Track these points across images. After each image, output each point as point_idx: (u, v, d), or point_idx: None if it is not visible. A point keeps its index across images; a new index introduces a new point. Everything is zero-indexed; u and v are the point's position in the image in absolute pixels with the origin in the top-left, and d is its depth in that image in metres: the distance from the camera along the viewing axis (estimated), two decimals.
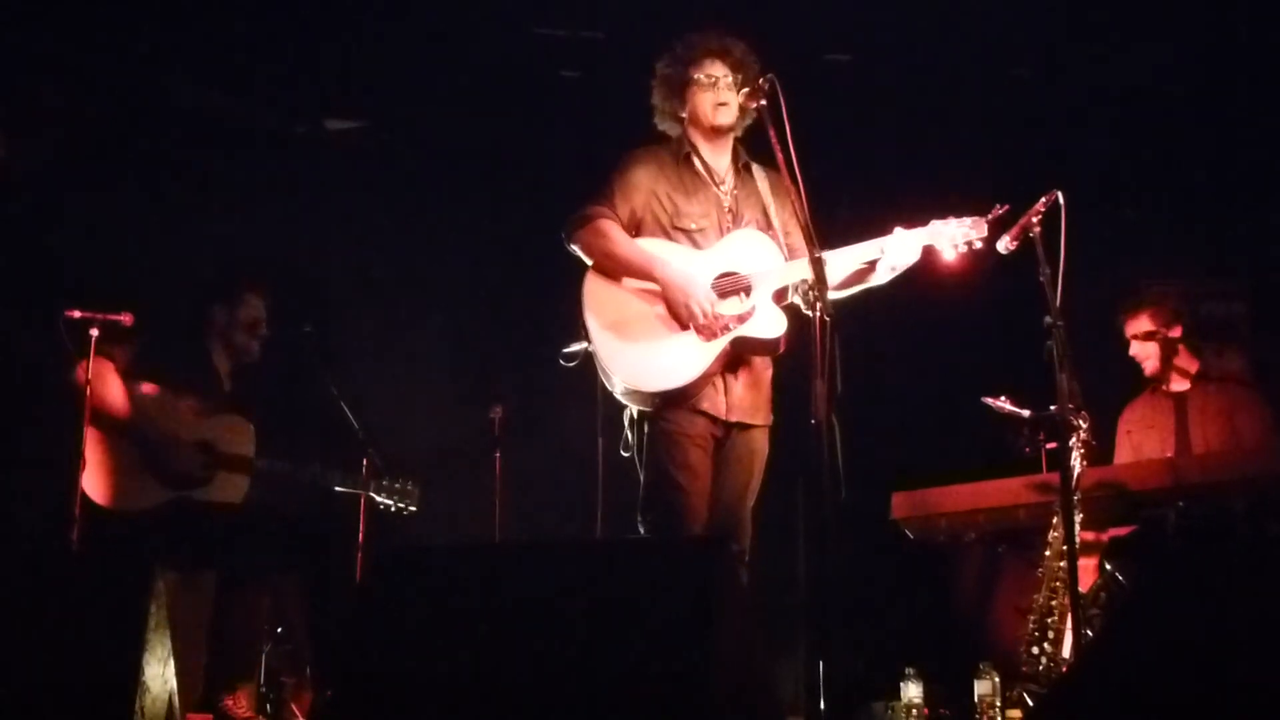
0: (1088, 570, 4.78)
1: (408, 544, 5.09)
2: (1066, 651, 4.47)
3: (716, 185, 4.06)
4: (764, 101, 3.72)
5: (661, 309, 3.90)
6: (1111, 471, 4.92)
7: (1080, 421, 4.19)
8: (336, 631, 4.89)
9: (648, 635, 2.61)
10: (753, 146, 4.09)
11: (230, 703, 4.47)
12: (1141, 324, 5.33)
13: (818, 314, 3.53)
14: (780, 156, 3.65)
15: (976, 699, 4.57)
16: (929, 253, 3.91)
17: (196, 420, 4.72)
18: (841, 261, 3.89)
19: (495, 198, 6.31)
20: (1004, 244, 3.98)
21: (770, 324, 3.87)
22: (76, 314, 4.41)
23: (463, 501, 5.90)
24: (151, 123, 5.93)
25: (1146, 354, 5.34)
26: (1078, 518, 4.03)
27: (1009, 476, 4.94)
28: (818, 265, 3.60)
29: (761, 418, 4.00)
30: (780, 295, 3.92)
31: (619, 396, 3.93)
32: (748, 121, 4.01)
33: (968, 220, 3.91)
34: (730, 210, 4.05)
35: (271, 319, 5.04)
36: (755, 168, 4.10)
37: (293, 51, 5.92)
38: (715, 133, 4.04)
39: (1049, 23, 5.74)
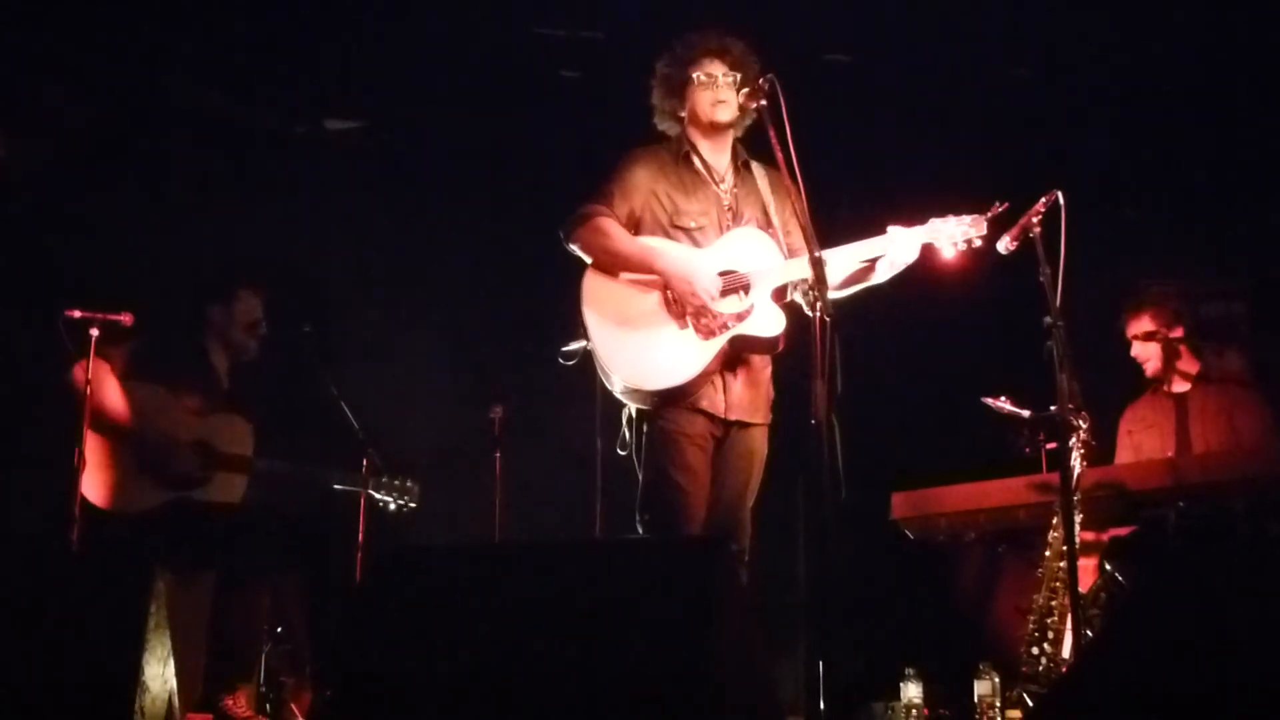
0: (1088, 570, 4.78)
1: (408, 544, 5.08)
2: (1066, 651, 4.47)
3: (716, 184, 4.06)
4: (764, 101, 3.73)
5: (661, 307, 3.90)
6: (1111, 471, 4.92)
7: (1080, 422, 4.19)
8: (336, 631, 4.89)
9: (647, 635, 2.61)
10: (753, 146, 4.09)
11: (230, 703, 4.47)
12: (1143, 324, 5.33)
13: (818, 314, 3.53)
14: (780, 156, 3.66)
15: (976, 699, 4.57)
16: (928, 251, 3.91)
17: (195, 420, 4.72)
18: (841, 260, 3.89)
19: (495, 198, 6.31)
20: (1004, 244, 3.98)
21: (769, 322, 3.87)
22: (76, 314, 4.40)
23: (463, 501, 5.90)
24: (151, 123, 5.93)
25: (1148, 355, 5.34)
26: (1078, 518, 4.03)
27: (1009, 476, 4.93)
28: (817, 265, 3.60)
29: (761, 416, 3.99)
30: (779, 294, 3.92)
31: (618, 395, 3.93)
32: (748, 122, 4.01)
33: (967, 218, 3.90)
34: (730, 209, 4.05)
35: (270, 317, 5.04)
36: (755, 166, 4.10)
37: (293, 51, 5.93)
38: (714, 130, 4.04)
39: (1049, 23, 5.74)
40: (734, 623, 2.73)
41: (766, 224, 4.04)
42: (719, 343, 3.86)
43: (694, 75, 4.01)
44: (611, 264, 3.94)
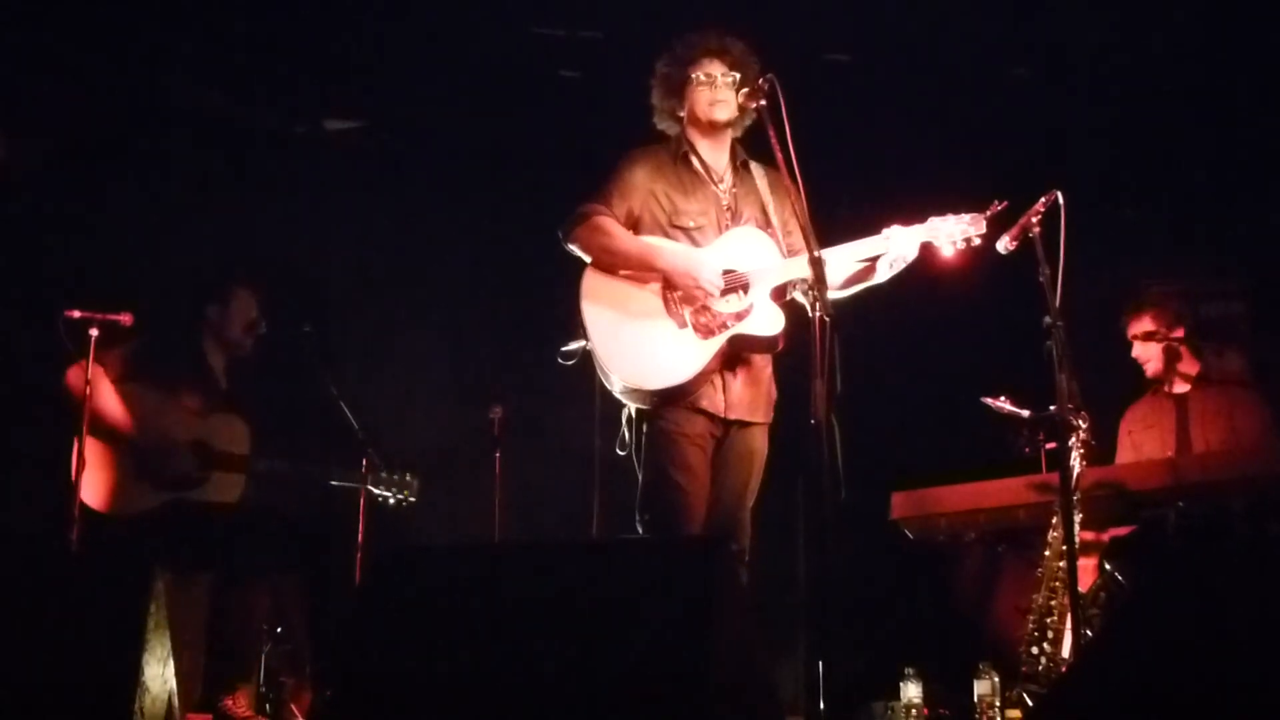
0: (1087, 570, 4.78)
1: (408, 544, 5.08)
2: (1066, 651, 4.47)
3: (715, 183, 4.06)
4: (763, 101, 3.73)
5: (660, 307, 3.90)
6: (1111, 471, 4.92)
7: (1080, 421, 4.19)
8: (336, 631, 4.89)
9: (647, 635, 2.61)
10: (753, 146, 4.09)
11: (230, 703, 4.46)
12: (1144, 325, 5.33)
13: (817, 314, 3.53)
14: (780, 156, 3.66)
15: (976, 699, 4.57)
16: (928, 250, 3.91)
17: (192, 420, 4.72)
18: (840, 259, 3.89)
19: (495, 198, 6.31)
20: (1004, 244, 3.98)
21: (768, 321, 3.87)
22: (76, 314, 4.40)
23: (463, 501, 5.90)
24: (151, 123, 5.93)
25: (1149, 356, 5.34)
26: (1077, 518, 4.03)
27: (1009, 476, 4.93)
28: (817, 265, 3.59)
29: (762, 415, 3.99)
30: (779, 293, 3.92)
31: (617, 395, 3.93)
32: (747, 122, 4.01)
33: (966, 217, 3.90)
34: (729, 208, 4.05)
35: (270, 317, 5.04)
36: (754, 166, 4.10)
37: (293, 51, 5.93)
38: (712, 129, 4.04)
39: (1049, 23, 5.74)
40: (734, 623, 2.73)
41: (765, 224, 4.04)
42: (718, 342, 3.86)
43: (693, 75, 4.01)
44: (611, 263, 3.94)
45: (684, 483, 3.84)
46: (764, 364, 4.01)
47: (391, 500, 4.96)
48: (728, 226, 4.02)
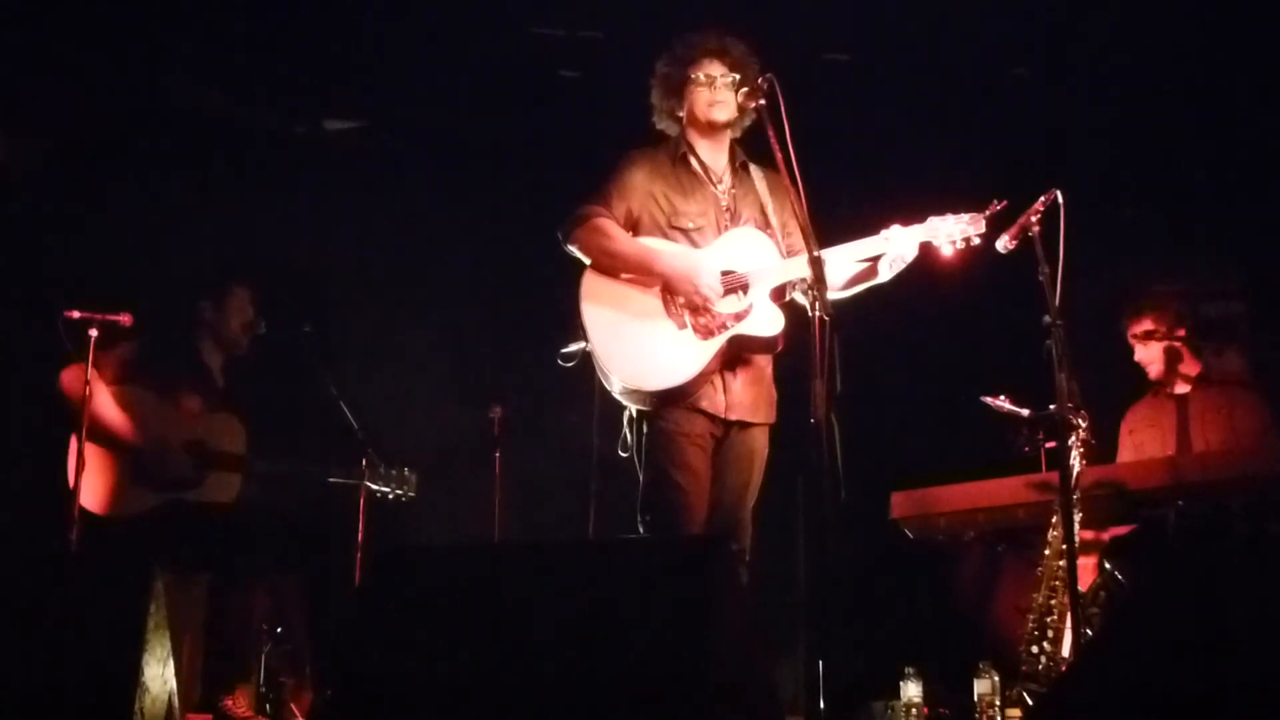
0: (1087, 569, 4.78)
1: (407, 544, 5.08)
2: (1066, 651, 4.47)
3: (714, 184, 4.06)
4: (763, 101, 3.72)
5: (660, 308, 3.90)
6: (1111, 471, 4.92)
7: (1079, 421, 4.19)
8: (336, 631, 4.89)
9: (647, 635, 2.61)
10: (752, 147, 4.09)
11: (230, 703, 4.47)
12: (1144, 325, 5.33)
13: (817, 314, 3.53)
14: (779, 156, 3.65)
15: (976, 698, 4.57)
16: (927, 249, 3.91)
17: (188, 420, 4.72)
18: (839, 259, 3.89)
19: (495, 198, 6.31)
20: (1003, 243, 3.98)
21: (768, 322, 3.87)
22: (75, 314, 4.40)
23: (463, 501, 5.91)
24: (151, 123, 5.93)
25: (1151, 357, 5.34)
26: (1077, 517, 4.03)
27: (1009, 476, 4.93)
28: (816, 265, 3.59)
29: (762, 415, 3.99)
30: (779, 293, 3.92)
31: (617, 396, 3.93)
32: (747, 122, 4.01)
33: (966, 216, 3.90)
34: (728, 209, 4.05)
35: (269, 317, 5.04)
36: (753, 167, 4.10)
37: (293, 51, 5.92)
38: (711, 130, 4.04)
39: (1049, 23, 5.74)
40: (734, 623, 2.73)
41: (765, 224, 4.04)
42: (718, 343, 3.86)
43: (693, 75, 4.01)
44: (610, 264, 3.94)
45: (685, 483, 3.84)
46: (764, 364, 4.01)
47: (390, 496, 4.96)
48: (727, 227, 4.01)
